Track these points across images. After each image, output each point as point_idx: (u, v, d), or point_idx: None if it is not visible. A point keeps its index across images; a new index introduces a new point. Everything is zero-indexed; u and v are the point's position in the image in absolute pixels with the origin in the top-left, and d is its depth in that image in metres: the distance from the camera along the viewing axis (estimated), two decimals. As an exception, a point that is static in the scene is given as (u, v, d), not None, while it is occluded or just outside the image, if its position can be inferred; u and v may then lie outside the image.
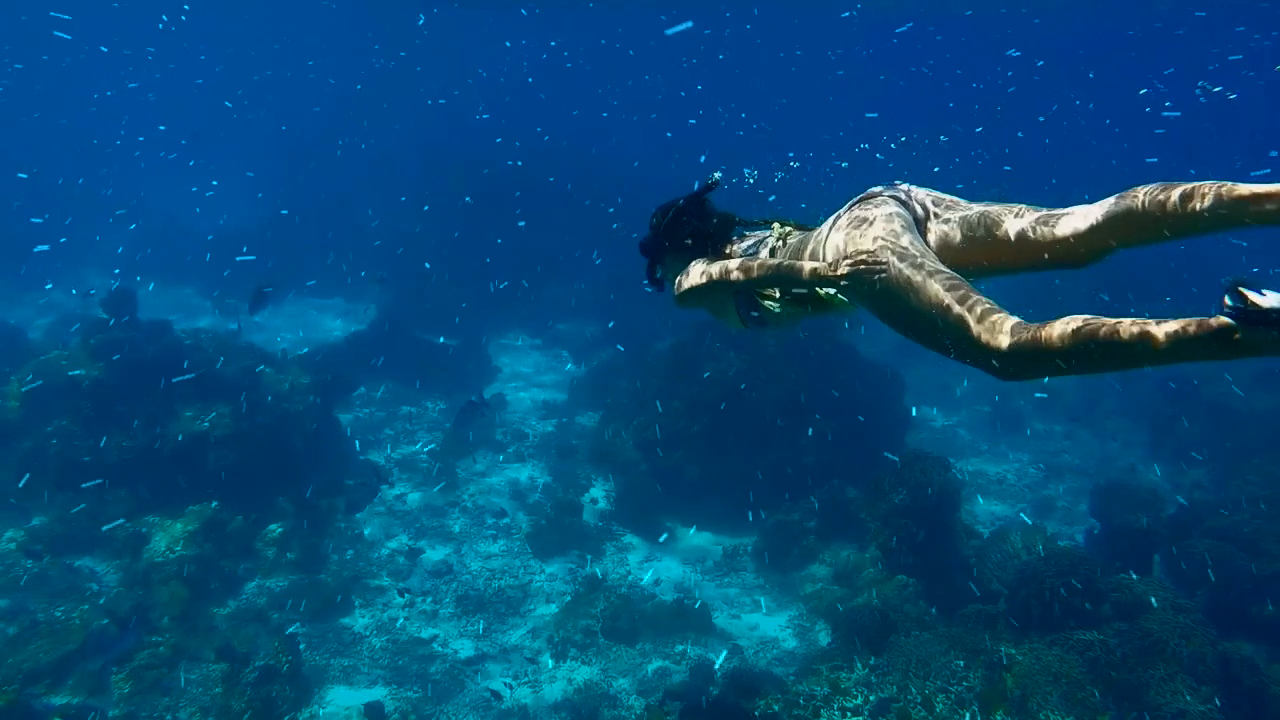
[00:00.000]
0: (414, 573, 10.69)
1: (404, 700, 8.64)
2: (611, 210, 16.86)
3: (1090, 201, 2.67)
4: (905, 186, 3.07)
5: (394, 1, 30.61)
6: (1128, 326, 2.13)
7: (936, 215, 3.00)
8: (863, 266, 2.73)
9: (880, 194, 3.03)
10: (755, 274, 3.06)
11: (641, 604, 10.00)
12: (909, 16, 28.71)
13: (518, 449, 13.82)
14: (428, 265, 18.72)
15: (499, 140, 23.21)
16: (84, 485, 10.25)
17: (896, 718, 7.55)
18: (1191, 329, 2.03)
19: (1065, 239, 2.68)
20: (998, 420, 15.33)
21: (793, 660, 9.20)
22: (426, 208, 19.87)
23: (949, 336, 2.50)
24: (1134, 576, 8.66)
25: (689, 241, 3.46)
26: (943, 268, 2.65)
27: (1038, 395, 15.45)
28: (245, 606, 9.76)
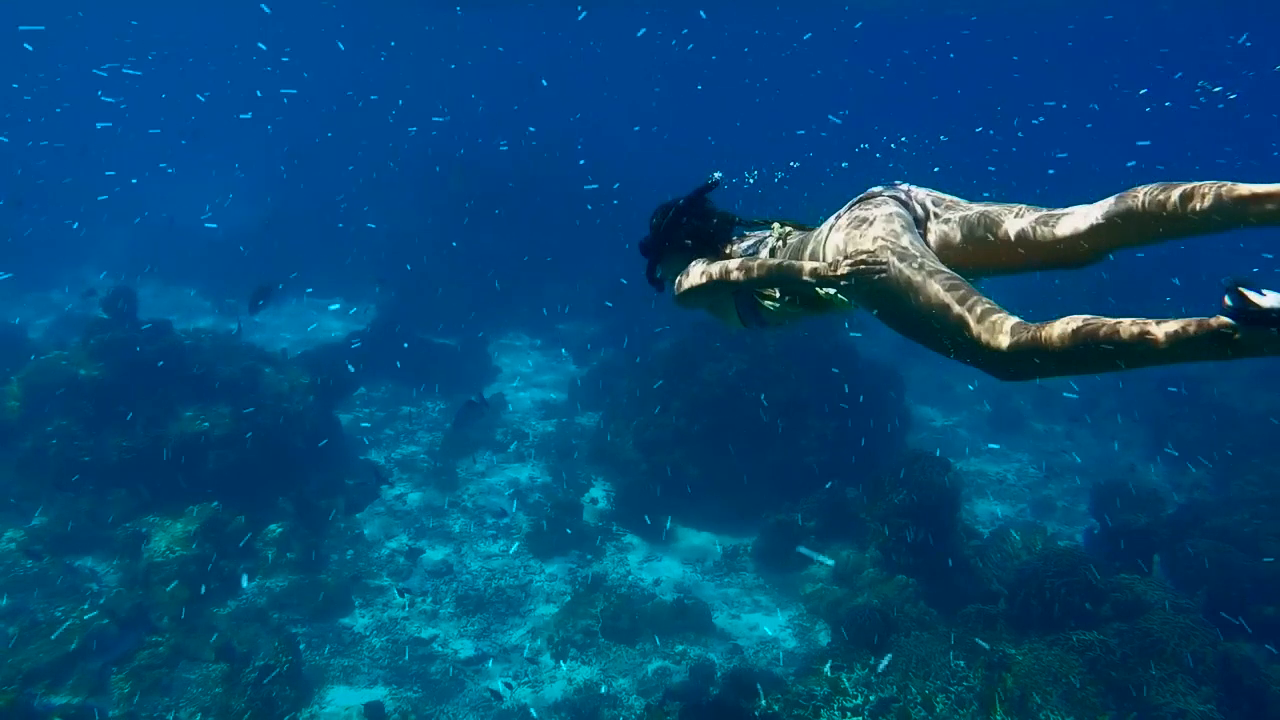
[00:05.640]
0: (414, 573, 10.69)
1: (404, 700, 8.64)
2: (601, 200, 16.85)
3: (1090, 201, 2.67)
4: (905, 186, 3.07)
5: (394, 2, 30.62)
6: (1128, 326, 2.12)
7: (936, 215, 2.99)
8: (863, 266, 2.72)
9: (880, 194, 3.02)
10: (755, 274, 3.05)
11: (641, 604, 10.00)
12: (910, 15, 28.72)
13: (518, 449, 13.81)
14: (455, 244, 18.66)
15: (497, 142, 23.21)
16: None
17: (896, 718, 7.56)
18: (1191, 329, 2.03)
19: (1065, 239, 2.68)
20: (998, 420, 15.33)
21: (793, 660, 9.20)
22: (469, 203, 19.72)
23: (949, 336, 2.50)
24: (1135, 576, 8.67)
25: (689, 241, 3.46)
26: (943, 268, 2.65)
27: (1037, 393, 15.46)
28: (245, 606, 9.76)
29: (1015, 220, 2.79)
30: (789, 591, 10.46)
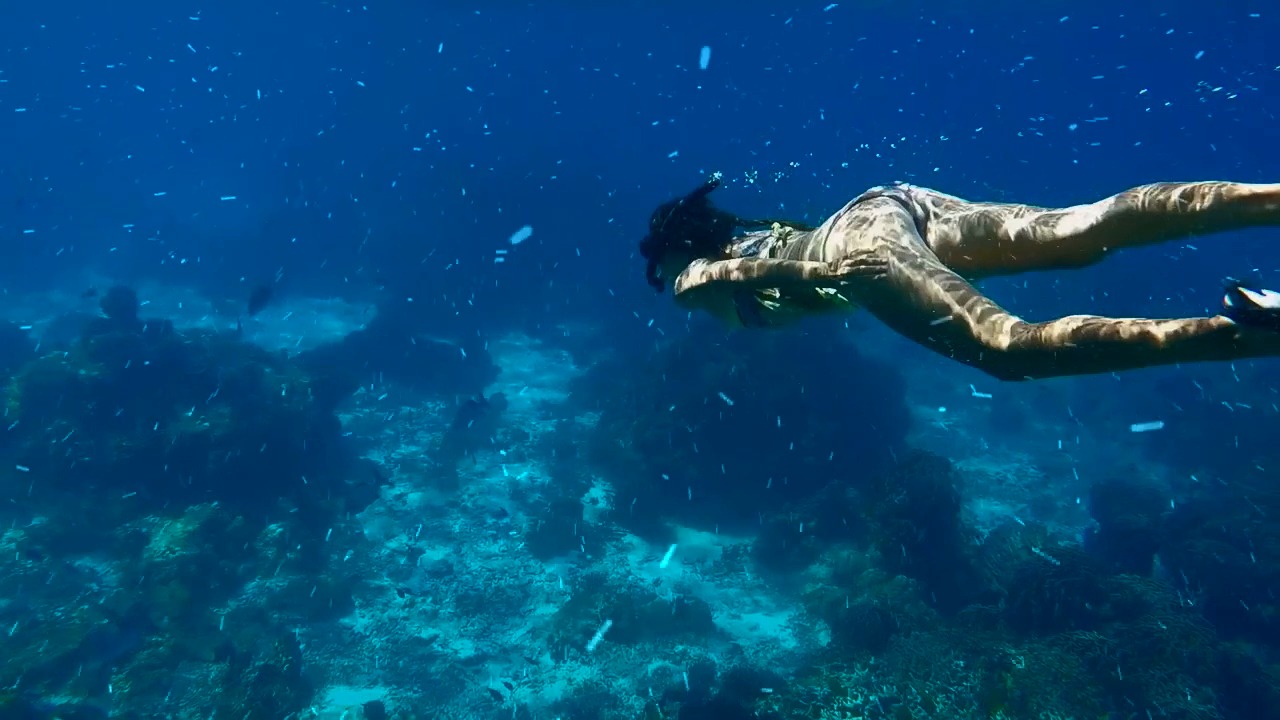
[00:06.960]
0: (414, 573, 10.69)
1: (404, 700, 8.64)
2: (607, 208, 16.85)
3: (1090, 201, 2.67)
4: (905, 186, 3.06)
5: (395, 2, 30.62)
6: (1128, 326, 2.12)
7: (936, 215, 2.99)
8: (863, 266, 2.72)
9: (880, 194, 3.02)
10: (755, 274, 3.05)
11: (641, 604, 10.00)
12: (911, 16, 28.71)
13: (518, 449, 13.81)
14: (432, 251, 18.74)
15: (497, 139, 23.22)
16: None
17: (896, 718, 7.55)
18: (1191, 329, 2.03)
19: (1065, 239, 2.67)
20: (998, 420, 15.33)
21: (793, 660, 9.20)
22: (461, 192, 19.55)
23: (949, 336, 2.49)
24: (1135, 576, 8.66)
25: (689, 241, 3.46)
26: (943, 268, 2.64)
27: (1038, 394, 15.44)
28: (245, 606, 9.76)
29: (1015, 220, 2.79)
30: (789, 591, 10.45)
